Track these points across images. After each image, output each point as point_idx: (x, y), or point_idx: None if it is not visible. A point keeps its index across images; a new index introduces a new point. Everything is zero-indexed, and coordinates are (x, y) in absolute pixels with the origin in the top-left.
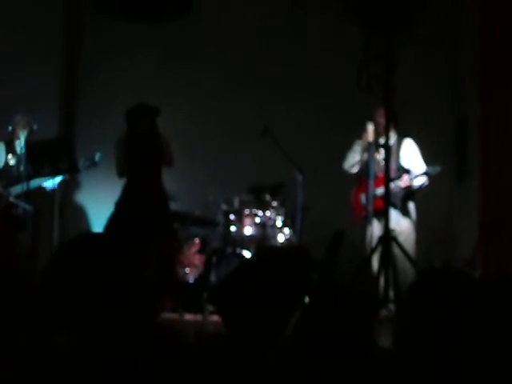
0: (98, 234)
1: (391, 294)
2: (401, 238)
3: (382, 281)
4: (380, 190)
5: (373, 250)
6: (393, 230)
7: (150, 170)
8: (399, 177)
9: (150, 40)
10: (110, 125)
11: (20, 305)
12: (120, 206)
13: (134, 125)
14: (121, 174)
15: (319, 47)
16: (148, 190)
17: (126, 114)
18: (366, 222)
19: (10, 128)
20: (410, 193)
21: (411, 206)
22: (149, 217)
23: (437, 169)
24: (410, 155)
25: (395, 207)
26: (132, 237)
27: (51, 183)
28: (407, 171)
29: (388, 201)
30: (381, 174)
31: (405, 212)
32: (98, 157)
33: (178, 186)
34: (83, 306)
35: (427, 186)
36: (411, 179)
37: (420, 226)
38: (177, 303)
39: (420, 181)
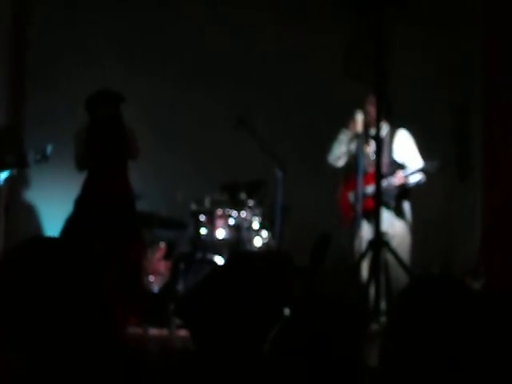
0: (49, 239)
1: (383, 305)
2: (394, 243)
3: (372, 290)
4: (370, 188)
5: (362, 256)
6: (385, 234)
7: (115, 163)
8: (392, 173)
9: (110, 25)
10: (63, 114)
11: None
12: (79, 202)
13: (96, 112)
14: (80, 166)
15: (300, 26)
16: (112, 184)
17: (87, 100)
18: (355, 223)
19: None
20: (404, 191)
21: (406, 206)
22: (112, 215)
23: (435, 164)
24: (405, 148)
25: (388, 207)
26: (92, 240)
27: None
28: (401, 166)
29: (379, 200)
30: (371, 170)
31: (398, 213)
32: (49, 149)
33: (142, 183)
34: (33, 323)
35: (424, 183)
36: (406, 176)
37: (416, 229)
38: (142, 317)
39: (416, 178)
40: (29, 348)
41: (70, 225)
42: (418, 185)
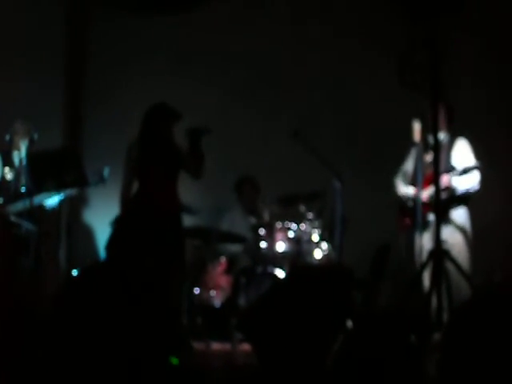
0: (104, 266)
1: (445, 315)
2: (454, 251)
3: (434, 300)
4: (425, 194)
5: (423, 266)
6: (445, 242)
7: (165, 178)
8: None
9: (159, 44)
10: (120, 136)
11: (25, 334)
12: (126, 217)
13: (153, 126)
14: (125, 193)
15: (352, 38)
16: (160, 199)
17: (146, 113)
18: (415, 233)
19: (8, 137)
20: (454, 198)
21: (463, 213)
22: (158, 231)
23: (477, 165)
24: (463, 157)
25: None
26: (137, 255)
27: (55, 199)
28: (449, 170)
29: (438, 209)
30: (429, 178)
31: (447, 220)
32: (106, 172)
33: (200, 198)
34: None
35: (477, 190)
36: (451, 178)
37: (475, 236)
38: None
39: (466, 183)
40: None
41: (116, 238)
42: (469, 192)
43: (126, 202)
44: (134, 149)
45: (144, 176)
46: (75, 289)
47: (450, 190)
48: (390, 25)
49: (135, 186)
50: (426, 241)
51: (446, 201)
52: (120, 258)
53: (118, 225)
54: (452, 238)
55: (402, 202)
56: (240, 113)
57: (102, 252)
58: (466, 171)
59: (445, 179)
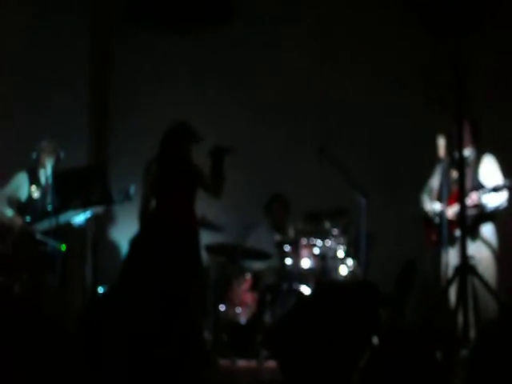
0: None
1: (472, 331)
2: (480, 267)
3: (460, 317)
4: (451, 210)
5: (449, 282)
6: (471, 258)
7: (183, 196)
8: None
9: (184, 61)
10: (145, 153)
11: (53, 349)
12: (146, 238)
13: (173, 146)
14: (143, 210)
15: (377, 54)
16: (178, 217)
17: (168, 132)
18: (441, 249)
19: (35, 155)
20: (482, 214)
21: (489, 229)
22: (175, 248)
23: (508, 182)
24: (489, 174)
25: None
26: (151, 280)
27: (81, 217)
28: (478, 188)
29: (464, 225)
30: (455, 194)
31: (474, 236)
32: (132, 190)
33: (225, 215)
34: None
35: (506, 207)
36: (480, 196)
37: (502, 252)
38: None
39: (495, 201)
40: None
41: (134, 255)
42: (499, 209)
43: (144, 219)
44: (153, 166)
45: (161, 194)
46: (101, 305)
47: (479, 207)
48: (414, 41)
49: (153, 203)
50: (452, 257)
51: (474, 218)
52: (137, 275)
53: (135, 242)
54: (479, 253)
55: (428, 218)
56: (266, 129)
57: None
58: (496, 189)
59: (474, 197)
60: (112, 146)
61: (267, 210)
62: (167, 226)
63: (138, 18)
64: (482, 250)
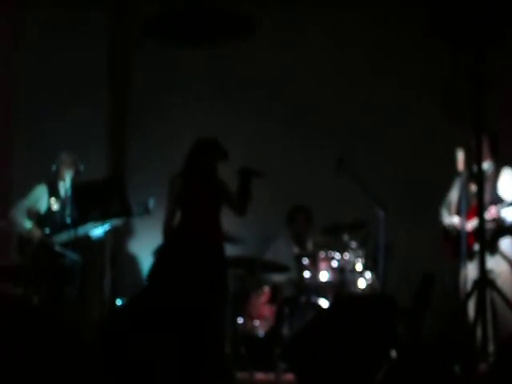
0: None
1: (491, 345)
2: (499, 281)
3: (479, 331)
4: (470, 224)
5: (468, 296)
6: (490, 272)
7: (210, 212)
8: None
9: (203, 73)
10: (164, 167)
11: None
12: (168, 250)
13: (197, 160)
14: (167, 223)
15: (395, 66)
16: (203, 232)
17: (194, 146)
18: (459, 262)
19: (55, 167)
20: (501, 228)
21: (509, 243)
22: (201, 264)
23: None
24: (508, 187)
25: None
26: (176, 294)
27: (100, 230)
28: (497, 202)
29: (483, 239)
30: (474, 207)
31: (492, 250)
32: (151, 203)
33: (244, 228)
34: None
35: None
36: (499, 210)
37: None
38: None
39: None
40: None
41: (158, 268)
42: None
43: (169, 232)
44: (177, 181)
45: (186, 208)
46: (119, 318)
47: (498, 221)
48: (433, 53)
49: (177, 217)
50: (471, 270)
51: (493, 232)
52: (162, 288)
53: (160, 254)
54: (497, 267)
55: (447, 231)
56: (284, 141)
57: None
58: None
59: (493, 211)
60: (130, 158)
61: (290, 221)
62: (193, 240)
63: (157, 31)
64: (500, 264)
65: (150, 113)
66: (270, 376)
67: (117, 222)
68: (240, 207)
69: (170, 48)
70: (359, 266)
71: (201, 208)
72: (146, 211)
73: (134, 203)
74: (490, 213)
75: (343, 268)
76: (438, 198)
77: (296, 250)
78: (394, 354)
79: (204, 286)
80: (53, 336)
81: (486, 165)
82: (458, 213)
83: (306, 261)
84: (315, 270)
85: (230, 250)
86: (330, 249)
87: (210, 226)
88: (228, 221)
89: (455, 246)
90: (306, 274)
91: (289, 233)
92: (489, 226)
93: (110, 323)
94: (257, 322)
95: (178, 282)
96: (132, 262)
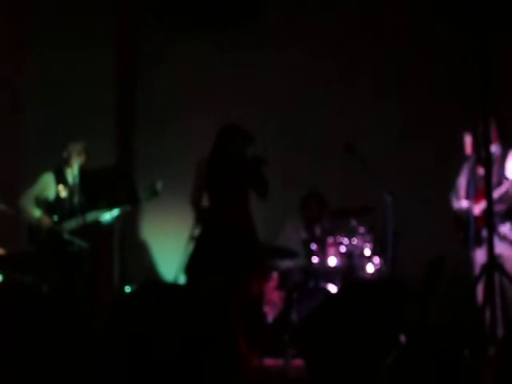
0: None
1: (500, 329)
2: (508, 265)
3: (488, 314)
4: (478, 207)
5: (476, 280)
6: (499, 257)
7: (239, 197)
8: (500, 184)
9: (212, 64)
10: (172, 150)
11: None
12: (203, 238)
13: (226, 146)
14: (196, 202)
15: (403, 49)
16: (236, 219)
17: (220, 133)
18: (468, 247)
19: (66, 155)
20: (510, 212)
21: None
22: (235, 248)
23: None
24: None
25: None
26: (215, 274)
27: (108, 216)
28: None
29: (491, 223)
30: (482, 191)
31: (500, 235)
32: (159, 186)
33: (253, 214)
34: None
35: None
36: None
37: None
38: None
39: None
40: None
41: (193, 261)
42: None
43: (200, 211)
44: (203, 166)
45: (214, 194)
46: (128, 304)
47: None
48: (440, 37)
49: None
50: (480, 255)
51: (504, 215)
52: (200, 277)
53: (198, 244)
54: (507, 251)
55: (456, 216)
56: (292, 128)
57: (157, 265)
58: None
59: (507, 182)
60: (138, 144)
61: (302, 207)
62: (225, 233)
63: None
64: (509, 248)
65: (158, 99)
66: (280, 361)
67: (124, 208)
68: (261, 193)
69: (178, 46)
70: (367, 251)
71: (231, 195)
72: (154, 194)
73: (142, 187)
74: (504, 185)
75: (351, 253)
76: (446, 183)
77: (304, 235)
78: (403, 338)
79: (242, 271)
80: (63, 323)
81: (494, 148)
82: (467, 197)
83: (314, 246)
84: (323, 256)
85: None
86: (339, 234)
87: (239, 213)
88: None
89: (464, 230)
90: (315, 260)
91: (301, 218)
92: (497, 208)
93: (118, 311)
94: (266, 308)
95: (214, 267)
96: (141, 247)
